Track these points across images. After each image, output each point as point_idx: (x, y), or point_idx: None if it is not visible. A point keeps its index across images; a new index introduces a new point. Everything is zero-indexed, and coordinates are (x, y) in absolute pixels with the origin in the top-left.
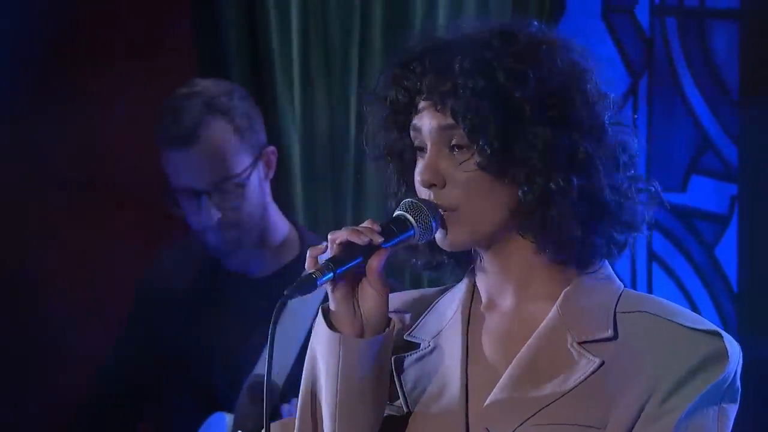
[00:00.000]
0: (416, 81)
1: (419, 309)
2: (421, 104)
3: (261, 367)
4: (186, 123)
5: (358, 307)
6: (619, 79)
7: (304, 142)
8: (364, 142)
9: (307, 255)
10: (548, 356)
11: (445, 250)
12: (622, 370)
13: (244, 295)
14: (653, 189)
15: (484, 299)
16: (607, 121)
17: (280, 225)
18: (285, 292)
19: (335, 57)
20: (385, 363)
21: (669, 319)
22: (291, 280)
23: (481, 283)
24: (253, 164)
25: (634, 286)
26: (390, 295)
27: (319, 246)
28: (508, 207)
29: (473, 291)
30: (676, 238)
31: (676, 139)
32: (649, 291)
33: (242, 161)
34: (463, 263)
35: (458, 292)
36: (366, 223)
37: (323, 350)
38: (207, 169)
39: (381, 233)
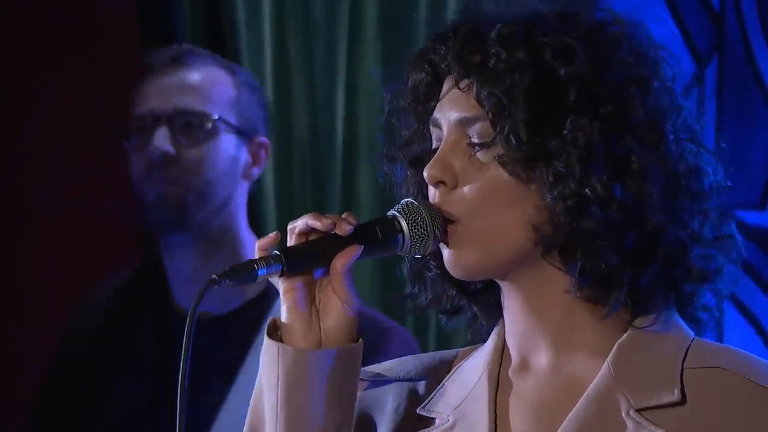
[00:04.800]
0: (443, 53)
1: (438, 375)
2: (445, 86)
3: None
4: (185, 49)
5: (318, 319)
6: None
7: (279, 145)
8: (383, 137)
9: (256, 246)
10: (599, 428)
11: (463, 289)
12: None
13: (196, 339)
14: (732, 235)
15: (514, 357)
16: (671, 131)
17: (250, 247)
18: (213, 276)
19: (318, 42)
20: (345, 392)
21: (754, 381)
22: (255, 320)
23: (511, 334)
24: (237, 131)
25: (698, 331)
26: (402, 358)
27: (270, 236)
28: (533, 221)
29: (503, 349)
30: (753, 268)
31: (753, 141)
32: (719, 335)
33: (225, 113)
34: (489, 313)
35: (484, 351)
36: (343, 215)
37: (264, 367)
38: (178, 93)
39: (358, 230)
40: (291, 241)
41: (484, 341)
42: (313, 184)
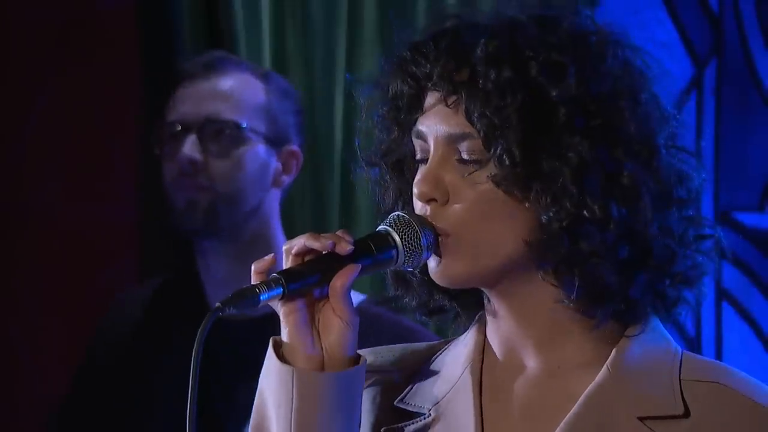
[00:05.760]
0: (427, 68)
1: (411, 367)
2: (429, 99)
3: None
4: (218, 55)
5: (318, 338)
6: (680, 69)
7: None
8: (356, 145)
9: (252, 270)
10: (598, 430)
11: (446, 291)
12: None
13: (230, 342)
14: (714, 235)
15: (500, 357)
16: (662, 143)
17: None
18: (218, 304)
19: (317, 43)
20: (354, 410)
21: (752, 399)
22: None
23: (493, 336)
24: (266, 139)
25: (698, 333)
26: (369, 349)
27: (266, 258)
28: (524, 237)
29: (483, 346)
30: (751, 270)
31: (752, 143)
32: (718, 337)
33: (254, 122)
34: (470, 311)
35: (463, 347)
36: (338, 233)
37: (273, 389)
38: (208, 101)
39: (354, 246)
40: (288, 263)
41: (460, 334)
42: (311, 184)
